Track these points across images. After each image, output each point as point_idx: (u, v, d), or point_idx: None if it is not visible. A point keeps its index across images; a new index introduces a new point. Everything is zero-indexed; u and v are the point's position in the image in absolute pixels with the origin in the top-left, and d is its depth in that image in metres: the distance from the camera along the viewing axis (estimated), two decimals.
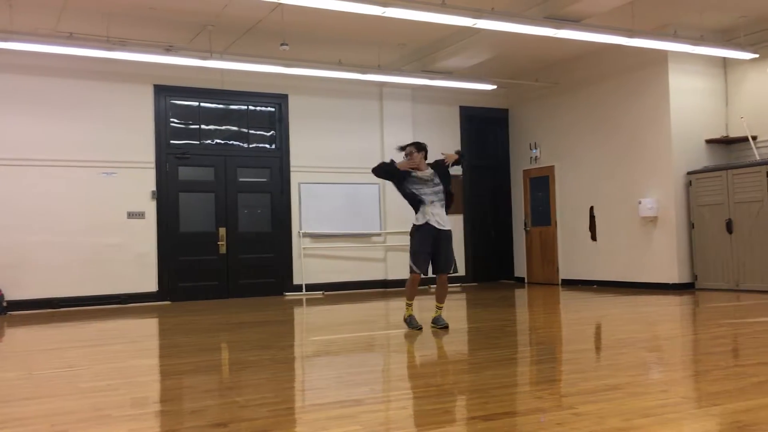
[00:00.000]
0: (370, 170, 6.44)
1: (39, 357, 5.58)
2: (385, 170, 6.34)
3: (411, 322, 6.27)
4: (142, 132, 10.24)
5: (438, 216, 6.13)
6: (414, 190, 6.16)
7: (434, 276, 6.30)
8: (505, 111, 12.94)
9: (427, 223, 6.10)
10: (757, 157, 9.63)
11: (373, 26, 9.10)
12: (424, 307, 7.33)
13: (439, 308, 6.37)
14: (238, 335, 6.59)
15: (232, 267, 10.78)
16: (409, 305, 6.35)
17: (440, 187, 6.22)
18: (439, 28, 8.63)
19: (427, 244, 6.10)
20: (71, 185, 9.76)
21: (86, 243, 9.78)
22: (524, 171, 12.54)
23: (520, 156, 12.64)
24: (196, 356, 5.29)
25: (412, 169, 6.22)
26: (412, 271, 6.14)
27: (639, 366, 4.37)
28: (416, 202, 6.15)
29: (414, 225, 6.19)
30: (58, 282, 9.57)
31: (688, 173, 9.87)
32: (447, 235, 6.18)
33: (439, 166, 6.31)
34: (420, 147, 6.31)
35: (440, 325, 6.25)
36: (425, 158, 6.33)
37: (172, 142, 10.50)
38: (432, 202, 6.15)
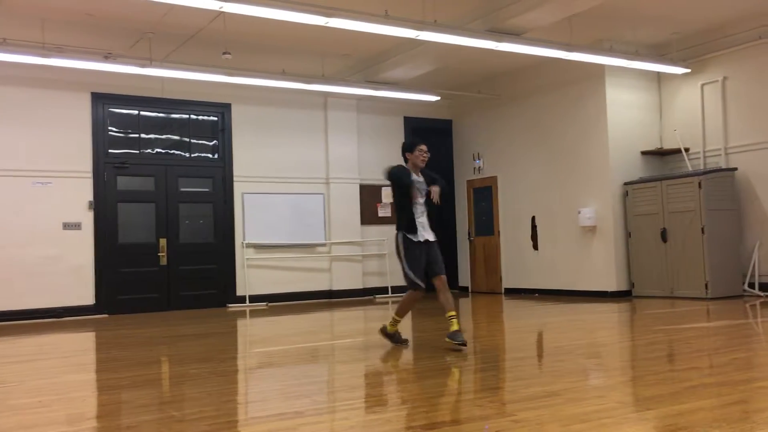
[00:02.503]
0: (387, 174, 5.66)
1: None
2: (404, 175, 5.64)
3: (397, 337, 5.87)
4: (79, 141, 9.98)
5: (426, 228, 5.65)
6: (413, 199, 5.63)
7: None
8: (449, 122, 13.09)
9: (419, 241, 5.58)
10: (690, 169, 9.98)
11: (317, 36, 9.10)
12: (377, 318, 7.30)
13: (453, 318, 5.53)
14: (177, 348, 6.45)
15: (173, 279, 10.58)
16: (398, 321, 5.81)
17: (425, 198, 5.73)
18: (383, 39, 8.69)
19: (422, 259, 5.59)
20: (3, 195, 9.43)
21: (20, 255, 9.45)
22: (468, 181, 12.69)
23: (464, 166, 12.79)
24: (134, 370, 5.15)
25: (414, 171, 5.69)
26: (415, 287, 5.58)
27: (578, 372, 4.45)
28: (411, 213, 5.61)
29: (408, 239, 5.58)
30: None
31: (625, 184, 10.15)
32: (435, 244, 5.70)
33: (425, 174, 5.76)
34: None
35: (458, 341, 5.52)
36: None
37: (110, 151, 10.26)
38: (423, 212, 5.67)
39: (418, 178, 5.70)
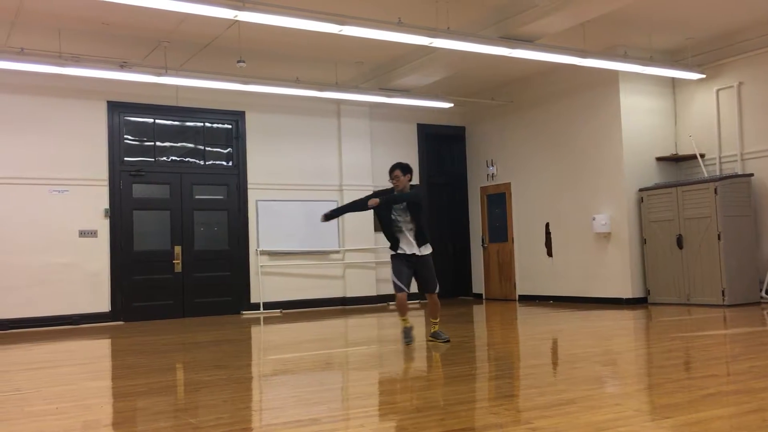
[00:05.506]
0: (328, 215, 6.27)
1: None
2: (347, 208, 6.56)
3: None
4: (95, 149, 10.06)
5: (410, 245, 6.18)
6: (394, 217, 6.15)
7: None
8: (462, 128, 13.08)
9: (400, 253, 6.19)
10: (705, 175, 9.91)
11: (331, 44, 9.13)
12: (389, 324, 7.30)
13: (435, 323, 6.54)
14: (193, 355, 6.48)
15: (187, 286, 10.62)
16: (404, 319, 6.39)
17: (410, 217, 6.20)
18: (396, 46, 8.70)
19: (405, 267, 6.19)
20: (21, 203, 9.52)
21: (36, 262, 9.53)
22: (481, 188, 12.67)
23: (477, 173, 12.78)
24: (150, 377, 5.18)
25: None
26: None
27: (594, 380, 4.43)
28: (392, 232, 6.18)
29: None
30: (7, 303, 9.28)
31: (640, 190, 10.09)
32: (424, 259, 6.27)
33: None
34: (406, 169, 6.25)
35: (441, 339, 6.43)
36: (410, 181, 6.29)
37: (126, 158, 10.34)
38: (410, 229, 6.19)
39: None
